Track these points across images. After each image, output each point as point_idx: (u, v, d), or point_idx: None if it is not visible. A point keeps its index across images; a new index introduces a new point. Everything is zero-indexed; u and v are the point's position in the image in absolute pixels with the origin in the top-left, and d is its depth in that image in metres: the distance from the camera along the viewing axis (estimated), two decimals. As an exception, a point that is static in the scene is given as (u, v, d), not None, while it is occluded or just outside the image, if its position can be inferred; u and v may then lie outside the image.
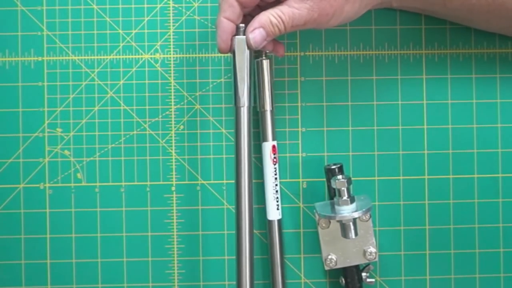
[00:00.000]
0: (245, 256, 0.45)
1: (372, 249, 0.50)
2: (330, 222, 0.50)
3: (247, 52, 0.45)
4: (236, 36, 0.45)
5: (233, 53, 0.46)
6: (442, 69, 0.52)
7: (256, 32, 0.45)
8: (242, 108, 0.46)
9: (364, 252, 0.50)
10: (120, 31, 0.52)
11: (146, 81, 0.52)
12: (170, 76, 0.52)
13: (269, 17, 0.45)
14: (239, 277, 0.45)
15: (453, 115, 0.52)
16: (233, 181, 0.52)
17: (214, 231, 0.52)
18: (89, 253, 0.52)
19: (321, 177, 0.52)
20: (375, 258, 0.50)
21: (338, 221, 0.48)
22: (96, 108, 0.52)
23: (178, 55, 0.52)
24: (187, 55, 0.52)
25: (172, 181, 0.52)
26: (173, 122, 0.52)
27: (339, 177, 0.48)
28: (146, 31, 0.52)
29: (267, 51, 0.49)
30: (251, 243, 0.46)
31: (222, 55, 0.52)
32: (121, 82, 0.52)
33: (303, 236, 0.52)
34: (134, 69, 0.52)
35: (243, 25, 0.45)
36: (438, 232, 0.52)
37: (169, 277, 0.52)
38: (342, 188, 0.47)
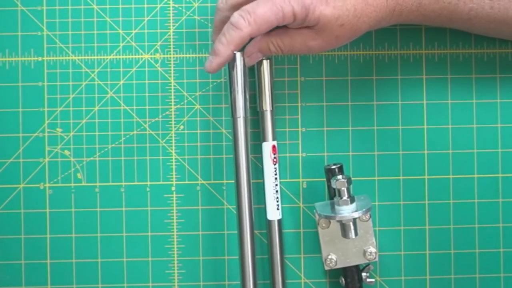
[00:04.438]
0: (247, 255, 0.47)
1: (372, 249, 0.50)
2: (330, 222, 0.50)
3: (242, 66, 0.47)
4: (235, 52, 0.46)
5: (229, 66, 0.47)
6: (442, 69, 0.52)
7: (253, 55, 0.47)
8: (238, 119, 0.47)
9: (364, 252, 0.50)
10: (120, 31, 0.52)
11: (146, 81, 0.52)
12: (170, 76, 0.52)
13: (268, 44, 0.46)
14: (243, 276, 0.47)
15: (453, 115, 0.52)
16: (233, 181, 0.52)
17: (214, 231, 0.52)
18: (89, 253, 0.52)
19: (321, 177, 0.52)
20: (375, 258, 0.50)
21: (338, 221, 0.48)
22: (96, 108, 0.52)
23: (178, 55, 0.52)
24: (187, 55, 0.52)
25: (172, 181, 0.52)
26: (173, 122, 0.52)
27: (339, 177, 0.48)
28: (146, 31, 0.52)
29: None
30: (252, 243, 0.47)
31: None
32: (121, 82, 0.52)
33: (303, 236, 0.52)
34: (134, 69, 0.52)
35: None
36: (438, 232, 0.52)
37: (169, 277, 0.52)
38: (342, 188, 0.47)
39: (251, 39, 0.48)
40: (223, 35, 0.44)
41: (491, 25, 0.46)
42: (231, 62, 0.47)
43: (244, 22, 0.43)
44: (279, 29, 0.46)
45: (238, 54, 0.47)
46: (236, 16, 0.43)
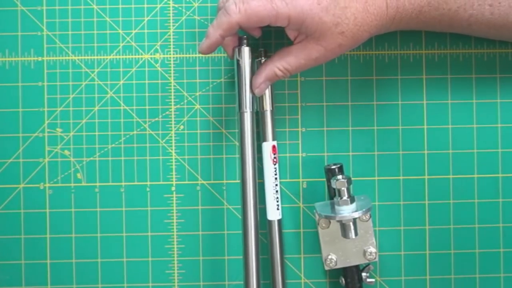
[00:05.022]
0: (251, 254, 0.46)
1: (372, 249, 0.50)
2: (330, 222, 0.50)
3: (250, 60, 0.47)
4: (242, 47, 0.47)
5: (237, 61, 0.47)
6: (442, 69, 0.52)
7: (262, 86, 0.47)
8: (245, 114, 0.47)
9: (364, 252, 0.50)
10: (120, 31, 0.52)
11: (146, 81, 0.52)
12: (170, 76, 0.52)
13: (275, 71, 0.46)
14: (247, 276, 0.47)
15: (453, 115, 0.52)
16: (233, 181, 0.52)
17: (214, 231, 0.52)
18: (89, 253, 0.52)
19: (321, 177, 0.52)
20: (375, 258, 0.50)
21: (338, 221, 0.48)
22: (96, 108, 0.52)
23: (178, 55, 0.52)
24: (187, 55, 0.52)
25: (172, 181, 0.52)
26: (173, 122, 0.52)
27: (339, 177, 0.48)
28: (146, 31, 0.52)
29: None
30: (257, 243, 0.47)
31: (222, 55, 0.52)
32: (121, 82, 0.52)
33: (303, 236, 0.52)
34: (134, 69, 0.52)
35: (245, 36, 0.47)
36: (438, 232, 0.52)
37: (169, 277, 0.52)
38: (342, 188, 0.47)
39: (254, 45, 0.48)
40: (215, 19, 0.45)
41: (491, 30, 0.46)
42: (239, 59, 0.47)
43: (235, 8, 0.43)
44: (281, 52, 0.46)
45: (246, 49, 0.47)
46: (230, 2, 0.44)
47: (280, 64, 0.46)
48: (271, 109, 0.50)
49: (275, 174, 0.50)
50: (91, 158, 0.52)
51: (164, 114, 0.52)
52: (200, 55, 0.52)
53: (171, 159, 0.52)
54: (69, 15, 0.52)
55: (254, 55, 0.49)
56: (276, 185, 0.50)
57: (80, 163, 0.52)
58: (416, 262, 0.52)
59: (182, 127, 0.52)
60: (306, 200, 0.52)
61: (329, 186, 0.50)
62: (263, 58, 0.49)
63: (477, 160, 0.52)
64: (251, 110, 0.47)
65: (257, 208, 0.47)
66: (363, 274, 0.50)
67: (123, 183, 0.52)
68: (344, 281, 0.50)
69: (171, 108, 0.52)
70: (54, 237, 0.52)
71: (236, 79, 0.47)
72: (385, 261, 0.52)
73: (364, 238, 0.50)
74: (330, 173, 0.49)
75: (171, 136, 0.52)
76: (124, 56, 0.52)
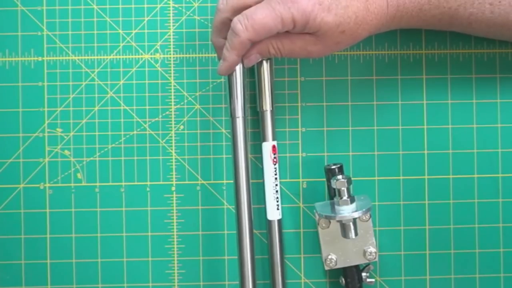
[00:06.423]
0: (246, 255, 0.47)
1: (372, 249, 0.50)
2: (330, 222, 0.50)
3: (241, 66, 0.47)
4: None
5: None
6: (442, 69, 0.52)
7: (252, 57, 0.46)
8: (237, 119, 0.47)
9: (364, 252, 0.50)
10: (120, 31, 0.52)
11: (146, 81, 0.52)
12: (170, 76, 0.52)
13: (268, 47, 0.46)
14: (242, 275, 0.47)
15: (453, 115, 0.52)
16: (233, 181, 0.52)
17: (214, 231, 0.52)
18: (89, 253, 0.52)
19: (321, 177, 0.52)
20: (375, 258, 0.50)
21: (338, 221, 0.48)
22: (96, 108, 0.52)
23: (178, 55, 0.52)
24: (187, 55, 0.52)
25: (172, 181, 0.52)
26: (173, 122, 0.52)
27: (339, 177, 0.48)
28: (146, 31, 0.52)
29: None
30: (251, 243, 0.47)
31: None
32: (121, 82, 0.52)
33: (303, 236, 0.52)
34: (134, 69, 0.52)
35: None
36: (438, 232, 0.52)
37: (169, 277, 0.52)
38: (342, 188, 0.47)
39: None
40: (227, 41, 0.44)
41: (491, 29, 0.46)
42: None
43: (241, 27, 0.43)
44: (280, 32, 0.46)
45: None
46: (235, 21, 0.43)
47: (275, 43, 0.45)
48: (271, 109, 0.50)
49: (275, 174, 0.50)
50: (91, 158, 0.52)
51: (164, 114, 0.52)
52: (200, 55, 0.52)
53: (171, 159, 0.52)
54: (69, 15, 0.52)
55: None
56: (276, 185, 0.50)
57: (80, 163, 0.52)
58: (416, 262, 0.52)
59: (182, 127, 0.52)
60: (306, 200, 0.52)
61: (329, 186, 0.50)
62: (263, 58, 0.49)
63: (477, 160, 0.52)
64: (243, 115, 0.47)
65: (251, 212, 0.47)
66: (363, 274, 0.50)
67: (123, 183, 0.52)
68: (344, 281, 0.50)
69: (171, 108, 0.52)
70: (54, 237, 0.52)
71: (227, 84, 0.47)
72: (385, 261, 0.52)
73: (364, 238, 0.50)
74: (330, 173, 0.49)
75: (171, 136, 0.52)
76: (124, 56, 0.52)
